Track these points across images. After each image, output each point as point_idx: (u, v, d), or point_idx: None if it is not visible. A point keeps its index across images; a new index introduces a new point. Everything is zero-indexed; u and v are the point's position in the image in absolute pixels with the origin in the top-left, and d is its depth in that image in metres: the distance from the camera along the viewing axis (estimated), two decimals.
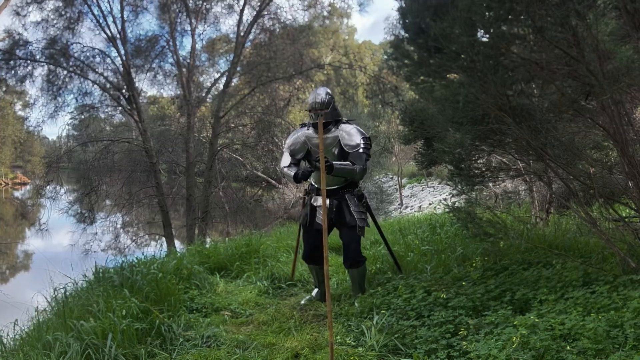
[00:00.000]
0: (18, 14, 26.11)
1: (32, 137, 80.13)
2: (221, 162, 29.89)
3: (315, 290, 8.99)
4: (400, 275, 8.84)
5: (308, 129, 8.69)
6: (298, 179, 8.42)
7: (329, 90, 8.59)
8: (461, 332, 6.16)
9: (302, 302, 8.71)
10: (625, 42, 7.07)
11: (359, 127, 8.59)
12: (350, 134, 8.36)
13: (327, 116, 8.32)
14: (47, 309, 8.40)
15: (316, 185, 8.64)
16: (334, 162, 7.93)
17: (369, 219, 8.80)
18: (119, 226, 30.42)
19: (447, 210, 9.33)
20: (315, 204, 8.59)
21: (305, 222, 8.69)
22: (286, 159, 8.86)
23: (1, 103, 34.26)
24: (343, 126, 8.50)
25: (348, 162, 8.21)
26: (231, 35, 31.53)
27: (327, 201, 8.00)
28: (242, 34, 28.44)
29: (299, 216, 9.16)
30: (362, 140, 8.32)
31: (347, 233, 8.46)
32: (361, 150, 8.26)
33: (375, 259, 10.12)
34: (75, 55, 26.87)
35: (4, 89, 29.06)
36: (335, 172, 8.00)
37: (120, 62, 27.33)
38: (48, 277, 8.82)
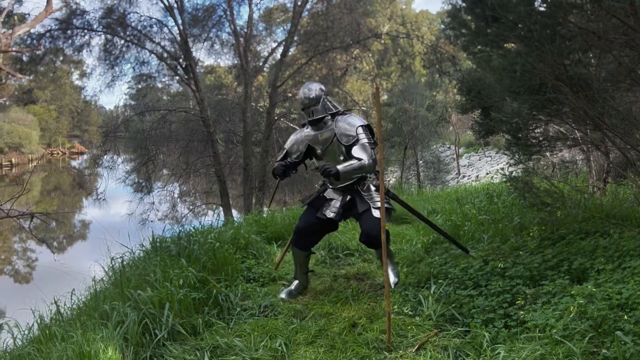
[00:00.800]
0: None
1: (89, 107, 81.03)
2: (278, 132, 29.98)
3: (295, 282, 8.34)
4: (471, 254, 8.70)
5: (307, 128, 8.25)
6: (274, 174, 8.18)
7: (322, 87, 8.13)
8: (518, 302, 6.15)
9: (281, 295, 8.02)
10: None
11: (358, 116, 8.21)
12: (349, 123, 7.87)
13: (318, 112, 7.92)
14: (104, 278, 8.52)
15: (326, 182, 8.28)
16: (339, 168, 7.40)
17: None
18: (176, 196, 30.67)
19: (504, 179, 9.30)
20: (327, 196, 8.16)
21: (311, 202, 8.27)
22: (280, 154, 8.54)
23: (58, 72, 34.48)
24: (339, 117, 8.01)
25: (353, 161, 7.55)
26: (288, 5, 31.64)
27: (341, 197, 8.03)
28: (299, 3, 28.42)
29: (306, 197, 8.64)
30: (360, 129, 7.80)
31: (364, 218, 7.69)
32: (365, 141, 7.70)
33: (431, 229, 10.11)
34: (133, 24, 27.15)
35: (61, 58, 29.30)
36: (343, 176, 7.49)
37: (178, 31, 27.51)
38: (105, 247, 8.93)
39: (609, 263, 6.54)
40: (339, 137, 7.82)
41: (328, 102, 8.10)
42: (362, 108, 30.90)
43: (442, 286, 7.06)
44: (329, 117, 8.01)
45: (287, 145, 8.45)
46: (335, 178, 7.43)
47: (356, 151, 7.64)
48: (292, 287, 8.22)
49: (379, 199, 7.58)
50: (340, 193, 8.07)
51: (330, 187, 8.20)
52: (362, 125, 7.84)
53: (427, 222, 8.61)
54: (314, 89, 7.98)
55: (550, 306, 5.74)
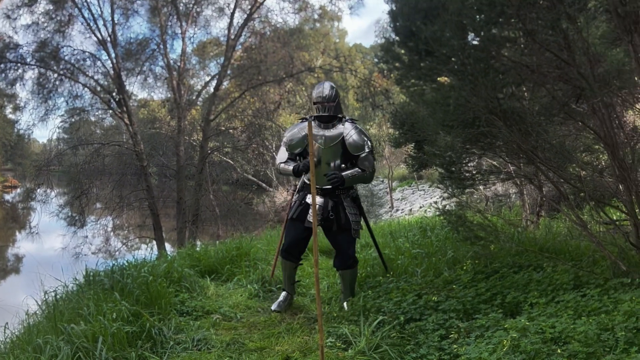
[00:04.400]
0: (8, 17, 26.18)
1: (22, 141, 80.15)
2: (212, 165, 29.96)
3: (283, 293, 8.80)
4: (390, 278, 8.80)
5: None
6: (299, 171, 8.27)
7: (333, 84, 8.40)
8: (452, 336, 6.16)
9: (272, 307, 8.56)
10: (615, 46, 7.09)
11: (361, 128, 8.47)
12: (357, 133, 8.26)
13: (332, 110, 8.23)
14: (37, 312, 8.39)
15: (309, 183, 8.18)
16: (343, 174, 8.08)
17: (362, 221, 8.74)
18: (109, 229, 30.46)
19: (437, 213, 9.35)
20: (308, 202, 8.20)
21: (294, 215, 8.47)
22: (283, 154, 8.65)
23: None
24: (348, 124, 8.35)
25: (356, 170, 8.24)
26: (222, 39, 31.61)
27: (322, 200, 8.19)
28: (232, 37, 28.50)
29: (288, 210, 8.89)
30: (368, 142, 8.31)
31: (342, 235, 8.34)
32: (367, 152, 8.25)
33: (366, 262, 10.10)
34: (66, 58, 27.01)
35: None
36: (347, 184, 8.17)
37: (111, 65, 27.43)
38: (39, 281, 8.80)
39: (543, 297, 6.58)
40: (349, 146, 8.23)
41: (339, 105, 8.49)
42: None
43: (375, 320, 7.02)
44: (337, 119, 8.38)
45: (288, 136, 8.68)
46: (340, 185, 8.16)
47: (361, 161, 8.28)
48: (281, 298, 8.72)
49: (357, 219, 8.48)
50: (321, 196, 8.31)
51: (309, 191, 8.21)
52: (368, 139, 8.39)
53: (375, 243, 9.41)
54: (330, 87, 8.31)
55: (484, 340, 5.74)
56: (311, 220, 7.89)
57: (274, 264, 9.55)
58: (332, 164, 8.28)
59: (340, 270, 8.53)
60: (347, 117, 8.53)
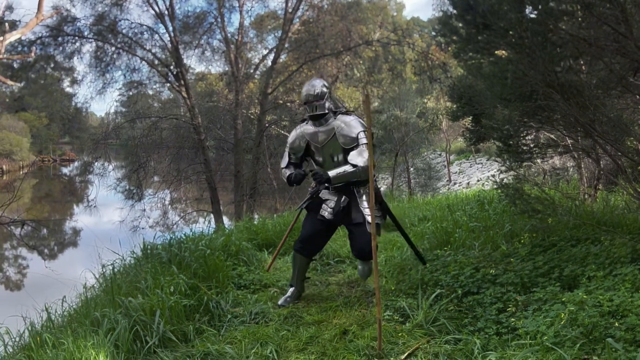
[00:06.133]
0: None
1: (80, 114, 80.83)
2: (269, 139, 29.96)
3: (291, 289, 8.31)
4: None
5: (307, 123, 8.36)
6: (291, 182, 8.25)
7: (325, 83, 8.30)
8: (510, 309, 6.15)
9: (280, 302, 8.10)
10: None
11: (359, 119, 8.13)
12: (350, 125, 7.94)
13: (322, 108, 8.04)
14: (95, 285, 8.48)
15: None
16: (330, 173, 7.68)
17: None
18: (167, 203, 30.66)
19: (495, 186, 9.30)
20: (322, 197, 8.15)
21: (304, 206, 8.38)
22: (285, 159, 8.58)
23: (49, 79, 34.43)
24: (341, 117, 8.11)
25: (347, 167, 7.72)
26: (279, 12, 31.69)
27: (335, 197, 8.04)
28: (290, 10, 28.48)
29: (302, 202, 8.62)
30: (362, 133, 7.86)
31: (356, 231, 7.97)
32: (364, 147, 7.76)
33: (422, 235, 10.09)
34: (123, 31, 27.24)
35: (52, 65, 29.32)
36: (334, 182, 7.74)
37: (169, 38, 27.58)
38: (96, 254, 8.89)
39: (600, 270, 6.53)
40: (338, 137, 7.96)
41: (331, 100, 8.26)
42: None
43: (433, 293, 7.01)
44: (331, 114, 8.15)
45: (290, 141, 8.52)
46: (327, 184, 7.77)
47: (353, 155, 7.76)
48: (289, 294, 8.24)
49: (375, 213, 7.65)
50: (335, 193, 8.06)
51: (324, 188, 8.17)
52: (363, 131, 7.86)
53: (405, 236, 8.59)
54: (319, 84, 8.12)
55: (542, 313, 5.72)
56: (323, 214, 8.01)
57: (274, 256, 9.25)
58: (335, 159, 8.14)
59: (359, 260, 8.48)
60: (343, 110, 8.32)
